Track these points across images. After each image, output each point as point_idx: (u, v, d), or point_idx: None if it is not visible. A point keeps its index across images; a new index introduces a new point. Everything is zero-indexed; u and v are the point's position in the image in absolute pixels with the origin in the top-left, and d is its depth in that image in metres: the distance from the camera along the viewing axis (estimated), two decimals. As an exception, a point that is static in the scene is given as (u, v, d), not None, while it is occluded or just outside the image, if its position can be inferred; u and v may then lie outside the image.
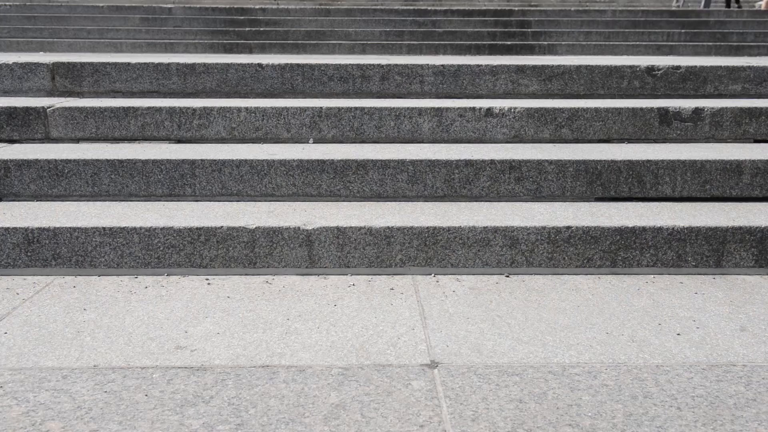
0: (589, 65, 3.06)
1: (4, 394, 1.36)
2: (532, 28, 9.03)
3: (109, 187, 2.34)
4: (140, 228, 2.02)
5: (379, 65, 3.01)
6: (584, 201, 2.36)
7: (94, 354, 1.53)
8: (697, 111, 2.74)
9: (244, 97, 3.04)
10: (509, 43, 8.29)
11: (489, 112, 2.70)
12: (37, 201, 2.33)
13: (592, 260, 2.07)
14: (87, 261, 2.03)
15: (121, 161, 2.32)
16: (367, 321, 1.71)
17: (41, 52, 7.73)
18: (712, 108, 2.74)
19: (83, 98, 2.99)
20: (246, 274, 2.05)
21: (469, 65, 3.04)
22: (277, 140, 2.72)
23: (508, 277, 2.04)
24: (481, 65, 3.05)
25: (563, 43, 8.35)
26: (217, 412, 1.29)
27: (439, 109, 2.68)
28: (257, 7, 9.51)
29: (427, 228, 2.04)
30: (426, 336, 1.63)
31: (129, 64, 2.99)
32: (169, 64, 2.99)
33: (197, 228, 2.03)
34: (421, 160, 2.32)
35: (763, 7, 9.97)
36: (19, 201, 2.33)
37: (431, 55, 8.10)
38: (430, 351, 1.55)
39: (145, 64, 2.99)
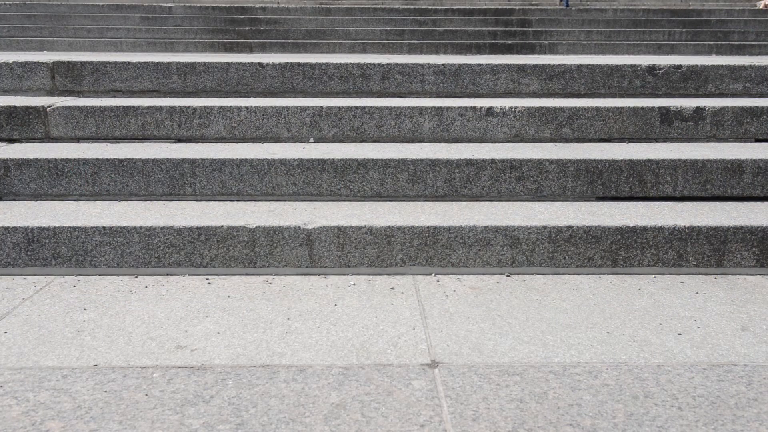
0: (589, 64, 3.05)
1: (4, 393, 1.35)
2: (532, 27, 9.02)
3: (109, 187, 2.34)
4: (140, 227, 2.02)
5: (379, 64, 3.01)
6: (585, 200, 2.36)
7: (94, 353, 1.52)
8: (699, 110, 2.74)
9: (245, 97, 3.03)
10: (510, 42, 8.28)
11: (490, 111, 2.70)
12: (37, 200, 2.33)
13: (593, 260, 2.07)
14: (87, 260, 2.03)
15: (121, 160, 2.32)
16: (368, 320, 1.71)
17: (41, 51, 7.72)
18: (714, 107, 2.74)
19: (83, 97, 2.98)
20: (246, 274, 2.04)
21: (470, 64, 3.04)
22: (278, 139, 2.72)
23: (508, 276, 2.04)
24: (482, 64, 3.04)
25: (564, 42, 8.34)
26: (217, 411, 1.29)
27: (439, 108, 2.68)
28: (257, 6, 9.50)
29: (428, 227, 2.03)
30: (426, 335, 1.62)
31: (129, 63, 2.99)
32: (169, 63, 2.99)
33: (197, 227, 2.02)
34: (421, 160, 2.32)
35: (762, 7, 9.96)
36: (19, 200, 2.33)
37: (432, 54, 8.09)
38: (430, 350, 1.55)
39: (145, 63, 2.99)
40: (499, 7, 9.73)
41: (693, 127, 2.75)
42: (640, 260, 2.07)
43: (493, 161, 2.33)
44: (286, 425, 1.24)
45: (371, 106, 2.68)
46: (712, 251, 2.07)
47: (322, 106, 2.67)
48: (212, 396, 1.35)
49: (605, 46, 8.29)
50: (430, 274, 2.05)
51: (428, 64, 3.03)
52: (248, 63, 3.01)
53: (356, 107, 2.67)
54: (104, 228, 2.02)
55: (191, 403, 1.32)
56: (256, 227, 2.03)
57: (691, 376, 1.44)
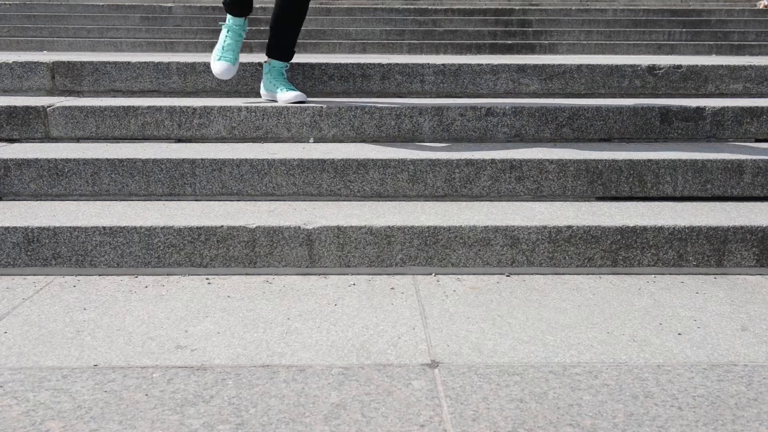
0: (589, 64, 3.05)
1: (4, 393, 1.35)
2: (532, 27, 9.03)
3: (109, 187, 2.34)
4: (140, 227, 2.02)
5: (379, 64, 3.01)
6: (585, 200, 2.36)
7: (94, 353, 1.53)
8: (699, 110, 2.74)
9: (245, 96, 3.04)
10: (510, 42, 8.28)
11: (490, 111, 2.70)
12: (37, 200, 2.33)
13: (593, 260, 2.07)
14: (87, 260, 2.03)
15: (121, 160, 2.32)
16: (368, 320, 1.71)
17: (41, 51, 7.72)
18: (714, 107, 2.74)
19: (83, 97, 2.98)
20: (246, 274, 2.04)
21: (470, 64, 3.04)
22: (278, 139, 2.72)
23: (508, 276, 2.04)
24: (482, 64, 3.04)
25: (564, 42, 8.34)
26: (217, 411, 1.29)
27: (439, 108, 2.68)
28: (257, 6, 9.50)
29: (428, 227, 2.03)
30: (426, 335, 1.62)
31: (129, 63, 2.99)
32: (169, 63, 2.99)
33: (197, 227, 2.02)
34: (421, 160, 2.32)
35: (761, 7, 9.96)
36: (19, 200, 2.33)
37: (432, 54, 8.09)
38: (430, 350, 1.55)
39: (145, 63, 2.99)
40: (499, 7, 9.73)
41: (693, 127, 2.75)
42: (640, 260, 2.07)
43: (493, 161, 2.33)
44: (286, 425, 1.24)
45: (371, 106, 2.68)
46: (712, 251, 2.08)
47: (322, 106, 2.67)
48: (212, 396, 1.35)
49: (605, 46, 8.29)
50: (430, 274, 2.05)
51: (428, 64, 3.03)
52: (248, 63, 3.01)
53: (356, 107, 2.67)
54: (104, 228, 2.02)
55: (191, 403, 1.32)
56: (256, 227, 2.03)
57: (691, 376, 1.44)
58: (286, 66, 2.87)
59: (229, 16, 2.79)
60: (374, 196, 2.35)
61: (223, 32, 2.82)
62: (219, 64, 2.75)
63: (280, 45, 2.79)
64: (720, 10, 9.53)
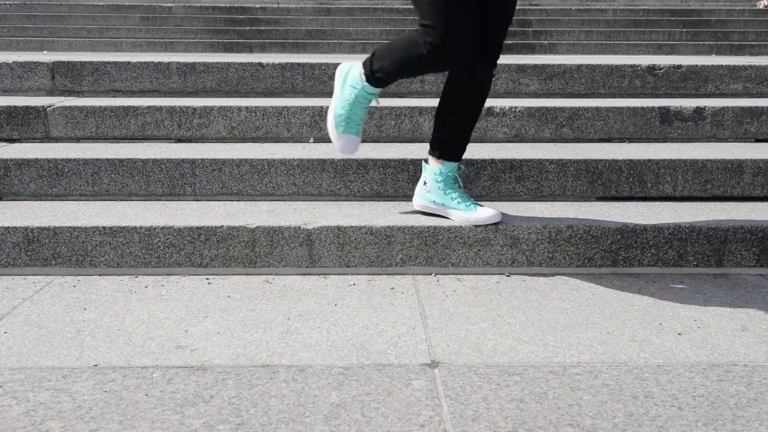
0: (590, 64, 3.05)
1: (4, 393, 1.35)
2: (532, 27, 9.02)
3: (109, 187, 2.34)
4: (140, 227, 2.02)
5: (379, 64, 3.00)
6: (585, 200, 2.36)
7: (94, 353, 1.53)
8: (699, 110, 2.74)
9: (245, 96, 3.04)
10: (510, 42, 8.28)
11: (490, 111, 2.70)
12: (37, 200, 2.33)
13: (593, 260, 2.07)
14: (87, 260, 2.03)
15: (121, 160, 2.32)
16: (368, 320, 1.71)
17: (41, 51, 7.72)
18: (714, 107, 2.74)
19: (83, 97, 2.98)
20: (246, 274, 2.04)
21: (470, 64, 3.03)
22: (278, 139, 2.72)
23: (508, 276, 2.04)
24: (482, 64, 3.04)
25: (564, 42, 8.34)
26: (217, 411, 1.29)
27: (439, 108, 2.68)
28: (257, 6, 9.50)
29: (428, 227, 2.03)
30: (426, 336, 1.62)
31: (129, 63, 2.99)
32: (169, 63, 2.99)
33: (197, 227, 2.02)
34: (421, 159, 2.32)
35: (761, 7, 9.96)
36: (19, 200, 2.33)
37: (432, 54, 8.07)
38: (430, 351, 1.55)
39: (145, 63, 2.99)
40: (499, 7, 9.71)
41: (693, 127, 2.75)
42: (640, 260, 2.07)
43: (493, 161, 2.33)
44: (286, 425, 1.24)
45: (371, 106, 2.68)
46: (712, 251, 2.08)
47: (322, 106, 2.67)
48: (212, 396, 1.35)
49: (605, 46, 8.29)
50: (430, 274, 2.05)
51: (428, 64, 3.03)
52: (248, 63, 3.01)
53: (356, 107, 2.67)
54: (104, 228, 2.02)
55: (191, 403, 1.32)
56: (256, 227, 2.03)
57: (691, 376, 1.44)
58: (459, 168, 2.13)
59: (364, 83, 2.03)
60: (374, 196, 2.35)
61: (348, 95, 2.05)
62: (345, 137, 2.05)
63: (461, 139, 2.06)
64: (720, 10, 9.53)
